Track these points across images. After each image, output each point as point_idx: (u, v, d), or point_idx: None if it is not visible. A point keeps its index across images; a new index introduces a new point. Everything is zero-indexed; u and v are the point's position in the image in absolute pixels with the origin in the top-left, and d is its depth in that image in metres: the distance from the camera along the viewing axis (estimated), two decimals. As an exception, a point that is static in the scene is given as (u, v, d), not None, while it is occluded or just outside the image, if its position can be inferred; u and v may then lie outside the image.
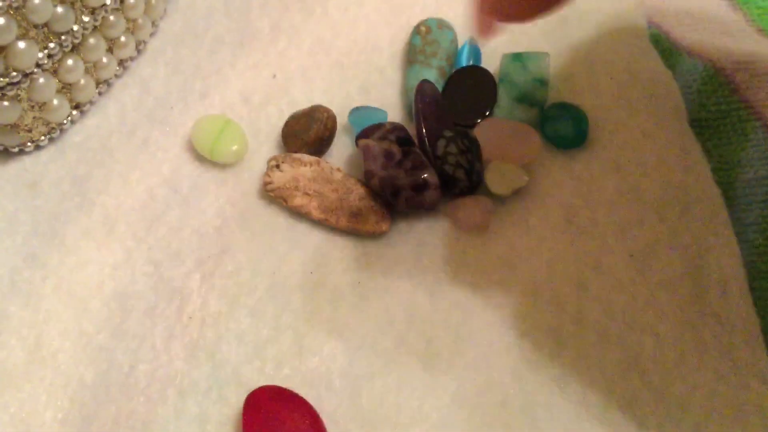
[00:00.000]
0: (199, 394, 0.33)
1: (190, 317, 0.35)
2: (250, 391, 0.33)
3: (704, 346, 0.34)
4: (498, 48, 0.43)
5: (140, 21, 0.42)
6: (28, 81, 0.37)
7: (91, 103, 0.41)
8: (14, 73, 0.36)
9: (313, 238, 0.37)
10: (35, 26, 0.36)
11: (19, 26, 0.35)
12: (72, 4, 0.37)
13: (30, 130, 0.39)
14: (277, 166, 0.38)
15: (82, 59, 0.39)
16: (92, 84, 0.40)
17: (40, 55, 0.37)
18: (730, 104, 0.40)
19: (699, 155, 0.40)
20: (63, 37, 0.37)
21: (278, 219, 0.38)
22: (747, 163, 0.39)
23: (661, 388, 0.33)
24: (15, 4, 0.35)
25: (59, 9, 0.36)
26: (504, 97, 0.41)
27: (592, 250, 0.37)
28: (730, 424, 0.33)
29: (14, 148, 0.39)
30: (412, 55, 0.42)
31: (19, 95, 0.37)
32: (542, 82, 0.41)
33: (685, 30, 0.44)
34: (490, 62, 0.43)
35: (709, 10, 0.44)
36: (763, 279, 0.36)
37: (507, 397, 0.33)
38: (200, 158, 0.40)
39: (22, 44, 0.36)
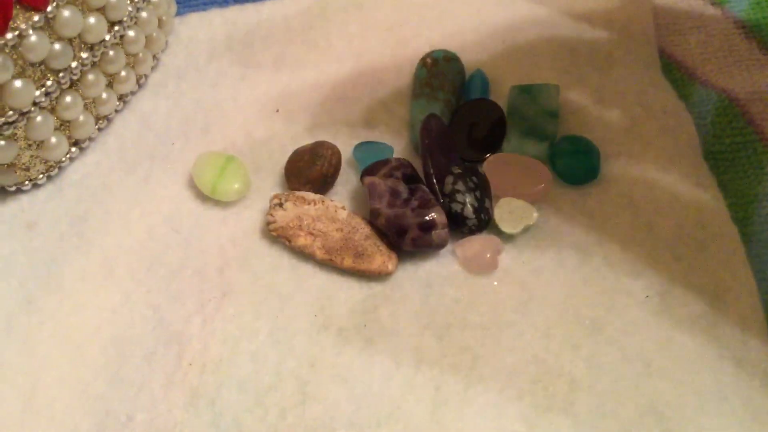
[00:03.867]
0: (198, 446, 0.32)
1: (190, 363, 0.34)
2: (252, 441, 0.32)
3: (723, 391, 0.33)
4: (506, 80, 0.42)
5: (141, 55, 0.41)
6: (25, 120, 0.36)
7: (91, 139, 0.40)
8: (10, 113, 0.35)
9: (317, 279, 0.36)
10: (32, 64, 0.35)
11: (16, 65, 0.35)
12: (70, 40, 0.36)
13: (27, 169, 0.38)
14: (280, 205, 0.37)
15: (81, 96, 0.38)
16: (91, 120, 0.39)
17: (37, 93, 0.36)
18: (745, 136, 0.39)
19: (714, 190, 0.39)
20: (61, 75, 0.36)
21: (281, 259, 0.37)
22: (764, 197, 0.38)
23: (680, 437, 0.32)
24: (11, 43, 0.34)
25: (56, 46, 0.36)
26: (513, 131, 0.40)
27: (606, 291, 0.36)
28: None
29: (11, 187, 0.38)
30: (418, 88, 0.41)
31: (15, 134, 0.36)
32: (552, 115, 0.40)
33: (698, 60, 0.43)
34: (499, 94, 0.42)
35: (722, 40, 0.43)
36: (783, 320, 0.35)
37: (519, 447, 0.32)
38: (201, 196, 0.39)
39: (18, 83, 0.35)
